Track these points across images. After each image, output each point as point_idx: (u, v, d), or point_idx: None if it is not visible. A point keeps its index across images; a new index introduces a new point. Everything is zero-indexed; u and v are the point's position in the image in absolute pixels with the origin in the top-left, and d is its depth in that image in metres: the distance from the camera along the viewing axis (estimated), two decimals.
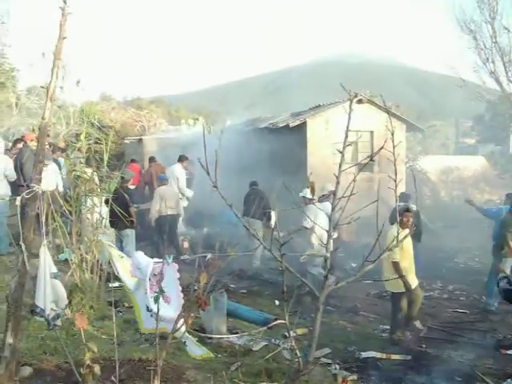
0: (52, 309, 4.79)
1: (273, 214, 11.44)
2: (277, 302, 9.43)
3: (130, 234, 10.79)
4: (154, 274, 3.70)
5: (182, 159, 14.02)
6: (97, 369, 3.20)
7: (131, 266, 3.85)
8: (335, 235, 11.12)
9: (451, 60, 23.37)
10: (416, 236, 11.90)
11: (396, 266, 7.82)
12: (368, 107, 17.22)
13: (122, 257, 4.46)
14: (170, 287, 3.56)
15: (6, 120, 18.38)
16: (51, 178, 10.12)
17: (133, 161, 15.77)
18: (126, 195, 10.05)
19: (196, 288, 3.30)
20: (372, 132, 16.73)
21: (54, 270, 4.89)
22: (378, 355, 7.29)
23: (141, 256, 3.88)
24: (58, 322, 4.95)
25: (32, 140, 10.11)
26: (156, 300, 3.53)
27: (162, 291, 3.55)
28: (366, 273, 3.39)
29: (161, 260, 3.79)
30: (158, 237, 12.17)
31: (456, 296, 10.97)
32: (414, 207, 12.02)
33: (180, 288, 3.75)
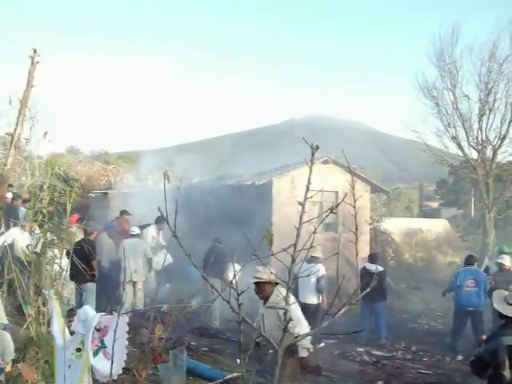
0: None
1: (231, 268, 11.37)
2: (238, 361, 9.25)
3: (90, 287, 10.57)
4: (98, 329, 3.57)
5: (158, 221, 13.74)
6: None
7: (75, 319, 3.72)
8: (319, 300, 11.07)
9: (415, 125, 24.04)
10: (380, 295, 11.94)
11: None
12: (333, 168, 17.49)
13: (63, 315, 4.29)
14: (115, 342, 3.45)
15: None
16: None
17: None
18: (88, 248, 9.89)
19: (151, 341, 3.23)
20: (337, 192, 16.93)
21: (5, 321, 4.73)
22: None
23: (88, 309, 3.77)
24: (1, 377, 4.75)
25: None
26: (95, 354, 3.43)
27: (103, 346, 3.46)
28: (328, 329, 3.36)
29: (108, 314, 3.68)
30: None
31: (419, 357, 10.94)
32: (380, 268, 12.14)
33: (126, 343, 3.62)
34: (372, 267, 11.69)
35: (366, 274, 11.55)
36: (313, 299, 10.97)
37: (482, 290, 11.25)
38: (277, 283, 6.11)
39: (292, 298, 5.97)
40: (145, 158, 24.30)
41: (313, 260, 10.77)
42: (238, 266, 6.47)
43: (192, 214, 12.95)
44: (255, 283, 6.22)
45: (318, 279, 10.84)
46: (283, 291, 6.10)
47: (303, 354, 6.01)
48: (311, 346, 6.08)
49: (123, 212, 14.71)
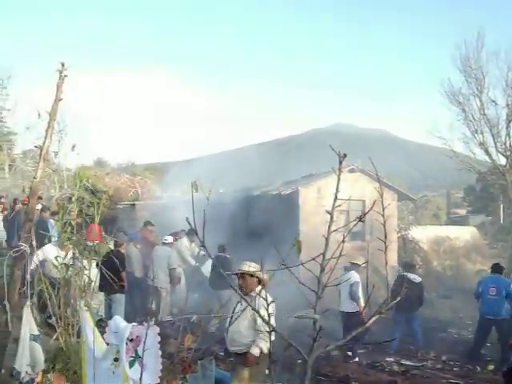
0: (27, 372, 4.66)
1: None
2: (266, 372, 9.21)
3: (119, 298, 10.65)
4: (131, 339, 3.58)
5: (190, 233, 14.03)
6: None
7: (107, 330, 3.73)
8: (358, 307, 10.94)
9: (440, 131, 23.76)
10: (418, 305, 11.86)
11: None
12: (360, 177, 17.42)
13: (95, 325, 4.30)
14: (148, 352, 3.45)
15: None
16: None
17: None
18: (116, 259, 9.96)
19: (180, 351, 3.23)
20: (364, 201, 16.85)
21: (35, 332, 4.78)
22: None
23: (119, 320, 3.78)
24: None
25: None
26: (131, 365, 3.43)
27: (137, 356, 3.46)
28: (357, 338, 3.33)
29: (139, 324, 3.68)
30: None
31: (450, 366, 10.77)
32: (418, 279, 12.03)
33: (159, 353, 3.62)
34: (412, 277, 11.67)
35: (403, 284, 11.45)
36: (348, 307, 10.88)
37: (504, 298, 11.08)
38: (260, 282, 6.24)
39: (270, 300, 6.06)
40: (172, 169, 24.47)
41: (352, 267, 10.80)
42: None
43: (219, 224, 13.00)
44: (239, 276, 6.38)
45: (351, 285, 10.77)
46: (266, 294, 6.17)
47: (254, 351, 6.10)
48: (265, 348, 6.08)
49: (147, 223, 14.91)
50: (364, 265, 10.93)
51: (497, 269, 11.65)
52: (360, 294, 10.85)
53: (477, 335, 11.57)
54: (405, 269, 12.43)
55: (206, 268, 13.71)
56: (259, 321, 5.99)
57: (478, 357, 11.17)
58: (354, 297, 10.81)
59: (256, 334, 6.11)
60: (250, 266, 6.39)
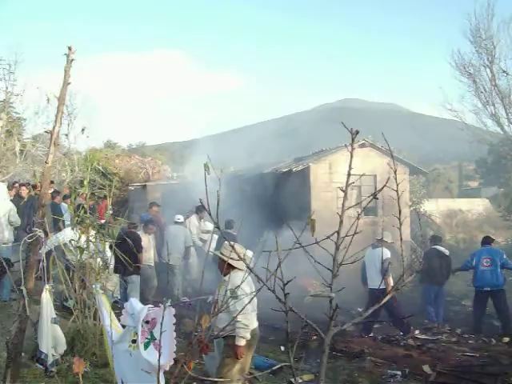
0: (52, 354, 4.74)
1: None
2: (282, 348, 9.27)
3: (135, 280, 10.73)
4: (147, 321, 3.60)
5: (199, 210, 14.11)
6: None
7: (123, 313, 3.75)
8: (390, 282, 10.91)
9: (451, 104, 23.54)
10: (446, 278, 11.98)
11: None
12: (371, 151, 17.31)
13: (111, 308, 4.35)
14: (163, 334, 3.47)
15: (11, 167, 18.59)
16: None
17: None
18: (129, 240, 10.00)
19: (198, 332, 3.23)
20: (375, 176, 16.77)
21: (53, 315, 4.85)
22: None
23: (135, 302, 3.80)
24: (54, 369, 4.88)
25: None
26: (146, 346, 3.46)
27: (152, 338, 3.48)
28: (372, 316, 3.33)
29: (155, 307, 3.70)
30: None
31: (465, 339, 10.79)
32: (446, 252, 12.08)
33: (174, 334, 3.63)
34: (443, 249, 11.80)
35: (435, 256, 11.61)
36: (376, 283, 10.84)
37: (499, 268, 11.11)
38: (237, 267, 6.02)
39: (247, 289, 5.77)
40: (182, 149, 24.42)
41: (378, 245, 10.77)
42: (250, 253, 6.33)
43: (231, 203, 13.00)
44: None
45: (383, 262, 10.76)
46: (237, 281, 5.61)
47: (239, 342, 6.02)
48: (248, 336, 6.06)
49: (152, 204, 15.11)
50: (392, 242, 10.98)
51: (488, 240, 11.73)
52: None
53: (475, 309, 11.60)
54: (432, 242, 12.52)
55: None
56: (230, 305, 5.77)
57: (478, 331, 11.21)
58: (383, 273, 10.76)
59: (232, 319, 5.94)
60: (231, 252, 5.85)
